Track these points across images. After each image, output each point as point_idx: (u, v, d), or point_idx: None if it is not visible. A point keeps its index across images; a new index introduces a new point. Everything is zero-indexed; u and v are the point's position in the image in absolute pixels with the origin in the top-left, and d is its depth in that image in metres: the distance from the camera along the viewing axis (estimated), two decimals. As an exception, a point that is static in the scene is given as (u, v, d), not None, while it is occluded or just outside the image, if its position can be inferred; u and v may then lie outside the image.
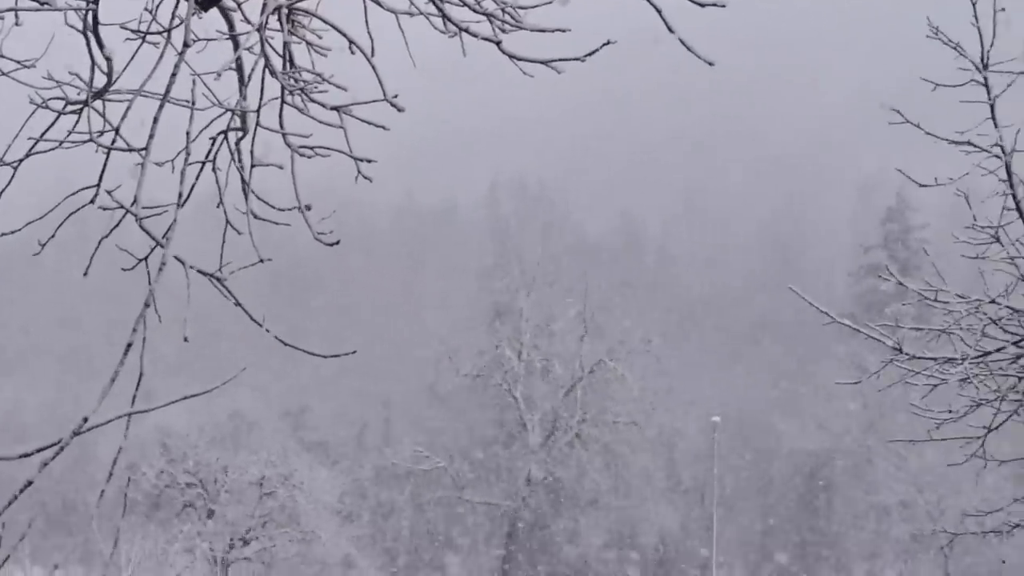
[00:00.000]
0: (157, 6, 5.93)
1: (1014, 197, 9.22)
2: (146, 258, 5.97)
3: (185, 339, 5.31)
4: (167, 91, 5.27)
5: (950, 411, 9.87)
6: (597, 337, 63.25)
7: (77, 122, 6.09)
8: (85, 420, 4.56)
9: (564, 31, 5.68)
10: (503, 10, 5.80)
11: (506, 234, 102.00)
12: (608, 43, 5.56)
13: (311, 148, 6.12)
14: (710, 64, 5.05)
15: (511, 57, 5.78)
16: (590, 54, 5.68)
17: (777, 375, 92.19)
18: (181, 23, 5.61)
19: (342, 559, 61.12)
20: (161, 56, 5.46)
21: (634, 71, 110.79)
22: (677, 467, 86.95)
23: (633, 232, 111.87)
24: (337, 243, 6.09)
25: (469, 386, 65.41)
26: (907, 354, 9.59)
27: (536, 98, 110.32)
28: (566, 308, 65.28)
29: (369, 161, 6.10)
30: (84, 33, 5.96)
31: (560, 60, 5.74)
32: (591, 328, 63.31)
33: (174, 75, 5.23)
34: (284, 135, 6.13)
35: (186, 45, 5.21)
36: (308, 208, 6.08)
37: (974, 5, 9.20)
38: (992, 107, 9.26)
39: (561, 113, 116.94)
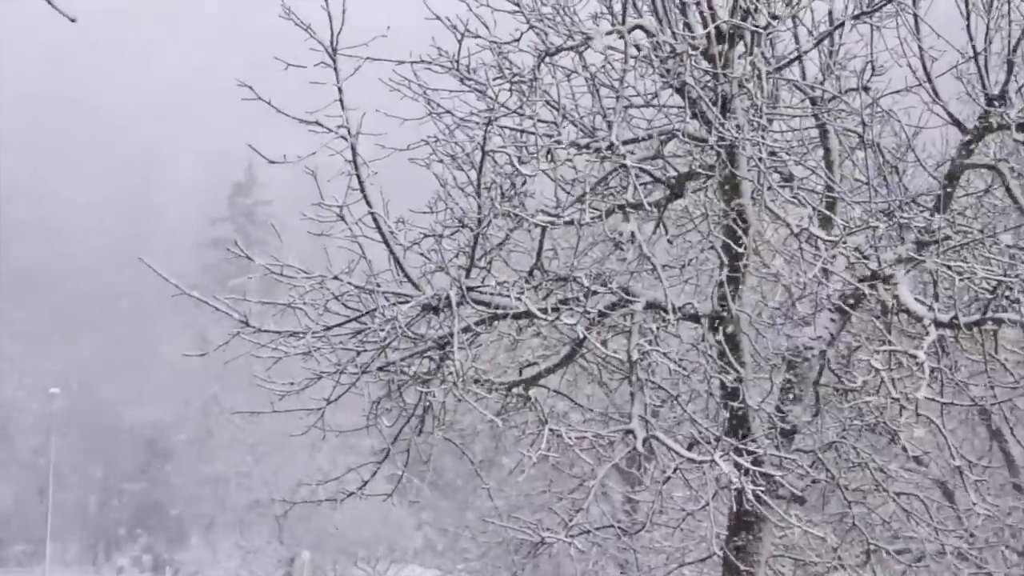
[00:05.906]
0: None
1: (359, 178, 9.61)
2: None
3: None
4: None
5: (292, 383, 10.15)
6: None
7: None
8: None
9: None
10: None
11: None
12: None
13: None
14: (72, 20, 4.92)
15: None
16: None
17: (123, 347, 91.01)
18: None
19: None
20: None
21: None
22: (13, 441, 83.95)
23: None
24: None
25: None
26: (253, 327, 9.77)
27: None
28: None
29: None
30: None
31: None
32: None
33: None
34: None
35: None
36: None
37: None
38: (340, 90, 9.59)
39: None
